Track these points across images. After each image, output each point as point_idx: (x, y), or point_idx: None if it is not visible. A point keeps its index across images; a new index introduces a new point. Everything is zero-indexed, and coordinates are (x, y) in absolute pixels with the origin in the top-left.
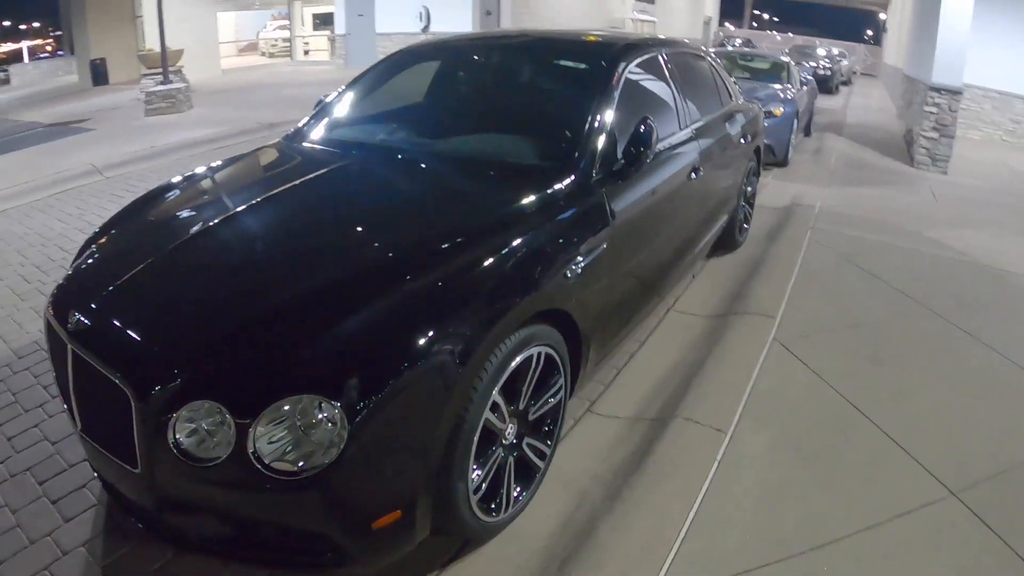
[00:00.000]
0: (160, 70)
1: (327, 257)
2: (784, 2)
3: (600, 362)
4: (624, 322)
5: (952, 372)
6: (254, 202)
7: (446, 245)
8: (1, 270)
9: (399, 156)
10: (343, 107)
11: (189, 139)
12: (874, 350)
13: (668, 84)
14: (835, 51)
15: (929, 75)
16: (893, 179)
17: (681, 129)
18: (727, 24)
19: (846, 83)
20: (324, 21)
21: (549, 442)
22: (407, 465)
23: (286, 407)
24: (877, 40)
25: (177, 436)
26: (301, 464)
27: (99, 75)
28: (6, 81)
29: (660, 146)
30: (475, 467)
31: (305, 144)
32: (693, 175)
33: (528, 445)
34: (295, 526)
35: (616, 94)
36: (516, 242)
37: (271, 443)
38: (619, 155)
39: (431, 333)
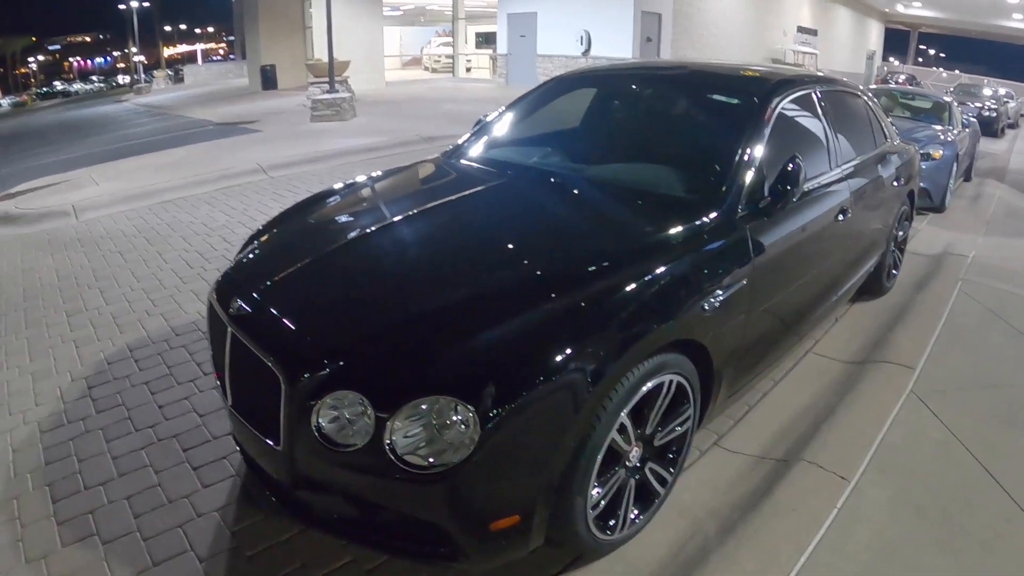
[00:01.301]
0: (327, 79)
1: (475, 269)
2: (951, 38)
3: (731, 397)
4: (759, 359)
5: None
6: (409, 213)
7: (590, 268)
8: (167, 254)
9: (551, 179)
10: (501, 128)
11: (350, 146)
12: (1011, 413)
13: (820, 122)
14: (1002, 92)
15: None
16: None
17: (831, 169)
18: (892, 59)
19: (1012, 126)
20: (487, 40)
21: (672, 469)
22: (531, 474)
23: (424, 405)
24: None
25: (320, 420)
26: (432, 460)
27: (268, 80)
28: (180, 80)
29: (808, 185)
30: (596, 484)
31: (462, 161)
32: (841, 216)
33: (651, 470)
34: (417, 517)
35: (766, 131)
36: (658, 271)
37: (406, 437)
38: (766, 192)
39: (568, 351)
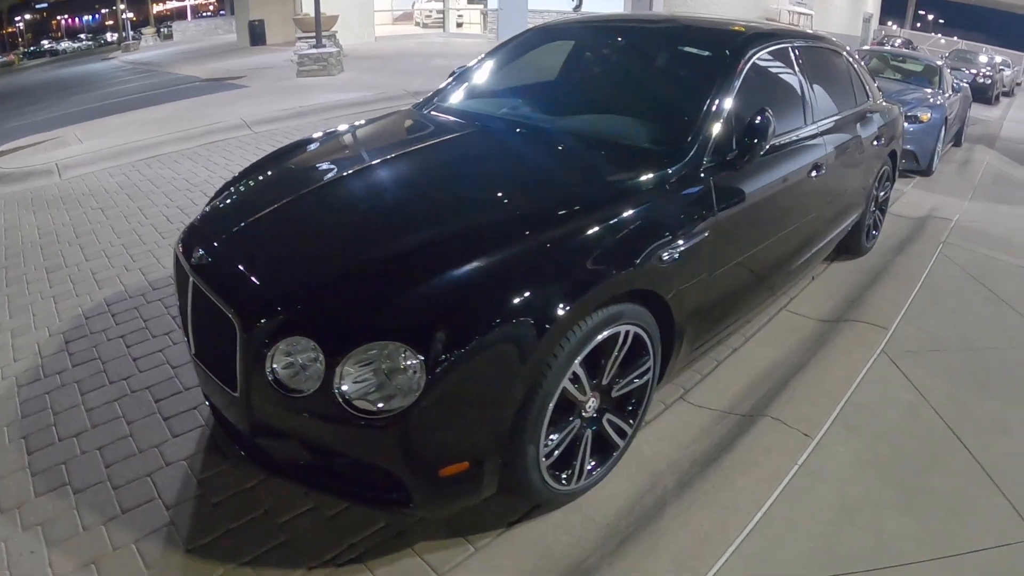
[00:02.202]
0: (314, 34)
1: (430, 218)
2: (951, 4)
3: (696, 351)
4: (725, 314)
5: None
6: (373, 163)
7: (544, 216)
8: (148, 210)
9: (517, 130)
10: (474, 79)
11: (335, 101)
12: (985, 378)
13: (797, 77)
14: (998, 59)
15: None
16: None
17: (807, 124)
18: (890, 23)
19: (1007, 94)
20: None
21: (632, 422)
22: (479, 421)
23: (373, 351)
24: None
25: (274, 366)
26: (380, 405)
27: (256, 36)
28: (169, 36)
29: (780, 140)
30: (550, 434)
31: (433, 112)
32: (815, 172)
33: (608, 421)
34: (368, 462)
35: (736, 84)
36: (614, 220)
37: (356, 383)
38: (734, 145)
39: (517, 299)
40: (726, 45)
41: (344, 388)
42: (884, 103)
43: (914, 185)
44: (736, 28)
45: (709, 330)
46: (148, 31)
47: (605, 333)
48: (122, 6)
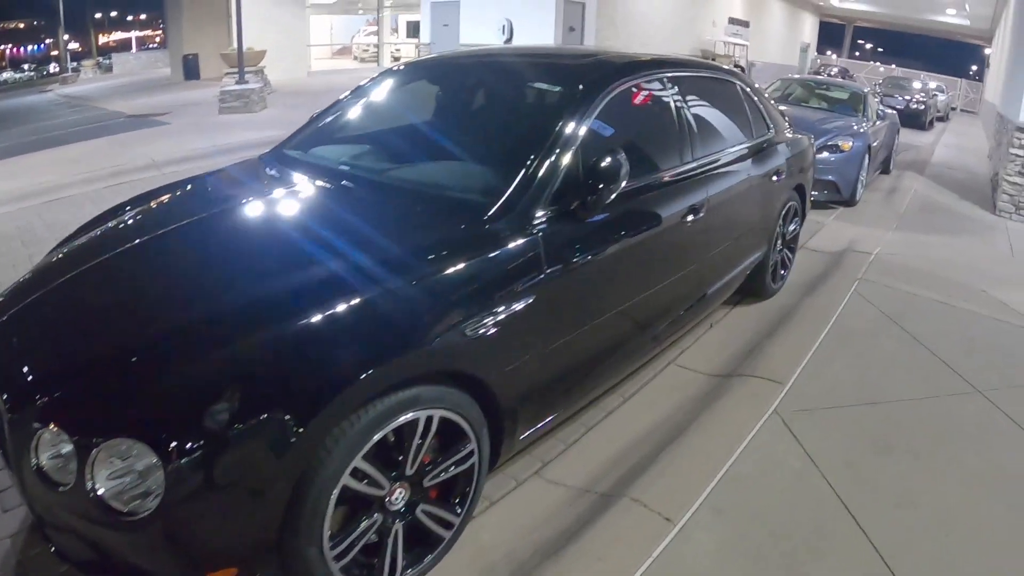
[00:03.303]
0: (249, 68)
1: (200, 292)
2: (887, 33)
3: (544, 428)
4: (576, 384)
5: (978, 471)
6: (175, 227)
7: (320, 290)
8: (37, 257)
9: (343, 182)
10: (326, 125)
11: (251, 140)
12: (888, 434)
13: (672, 112)
14: (932, 85)
15: (1018, 113)
16: (969, 227)
17: (683, 163)
18: (829, 52)
19: (942, 119)
20: (417, 29)
21: (460, 510)
22: (237, 524)
23: (121, 447)
24: (981, 76)
25: (39, 457)
26: (129, 506)
27: (191, 70)
28: (109, 69)
29: (646, 182)
30: (345, 531)
31: (271, 164)
32: (692, 216)
33: (426, 512)
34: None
35: (586, 122)
36: (399, 291)
37: (109, 479)
38: (582, 192)
39: (270, 389)
40: (580, 80)
41: (96, 485)
42: (790, 134)
43: (836, 217)
44: (600, 59)
45: (556, 406)
46: (88, 64)
47: (397, 421)
48: (65, 37)
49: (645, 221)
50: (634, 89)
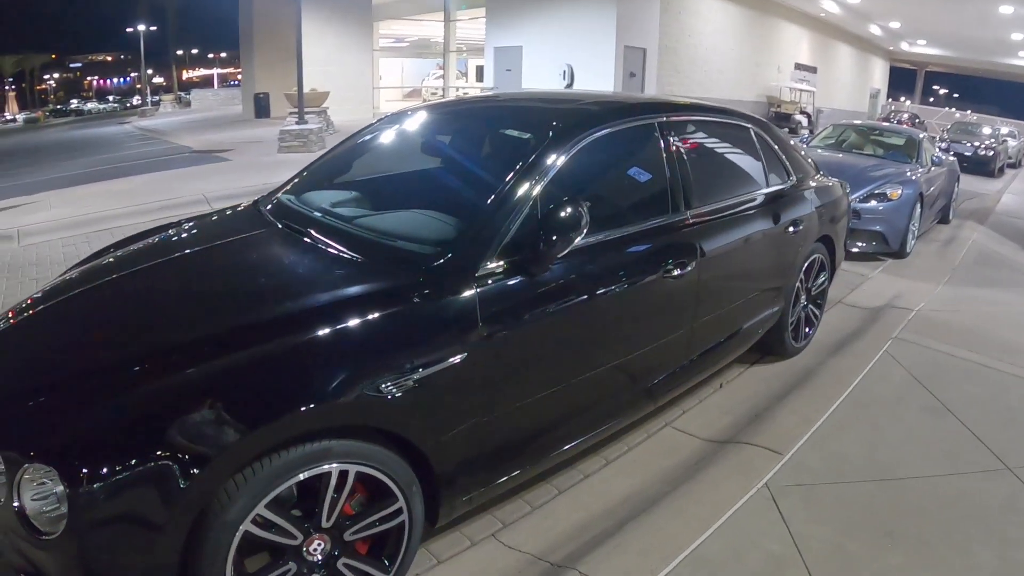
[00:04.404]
0: (310, 108)
1: (132, 332)
2: (961, 77)
3: (482, 494)
4: (529, 453)
5: (995, 569)
6: (140, 268)
7: (224, 338)
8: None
9: (309, 229)
10: (311, 173)
11: None
12: (894, 517)
13: (660, 159)
14: (1004, 130)
15: None
16: None
17: (669, 214)
18: (903, 98)
19: (1013, 166)
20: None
21: (389, 564)
22: (140, 556)
23: (43, 470)
24: None
25: None
26: (46, 527)
27: (261, 108)
28: (187, 104)
29: (619, 233)
30: None
31: (261, 207)
32: (678, 271)
33: (348, 567)
34: None
35: (551, 171)
36: (302, 344)
37: (32, 499)
38: (539, 245)
39: (172, 431)
40: (551, 126)
41: (22, 503)
42: (819, 182)
43: (882, 269)
44: (581, 105)
45: (506, 471)
46: (168, 98)
47: (305, 473)
48: (149, 72)
49: (613, 277)
50: (615, 136)
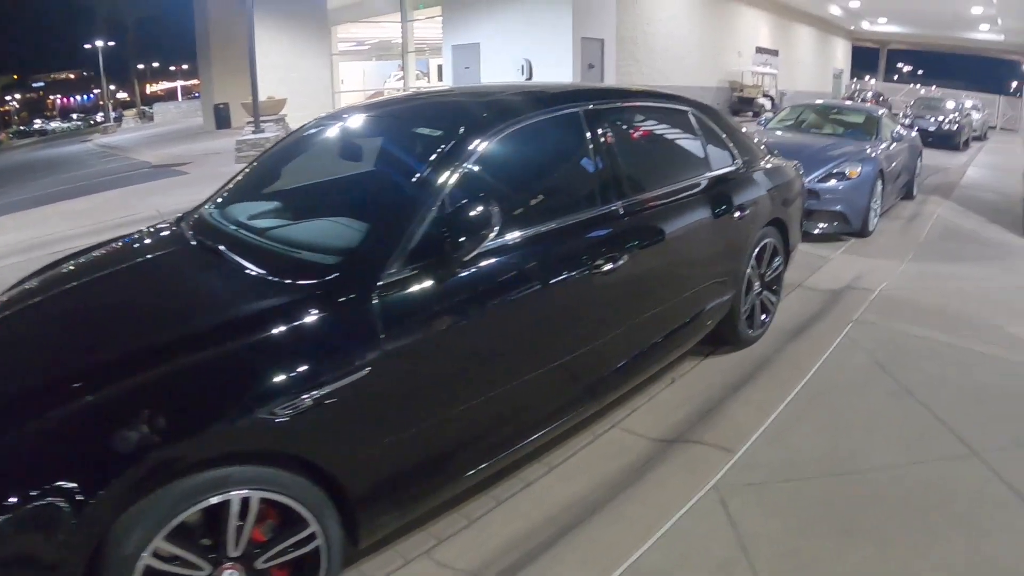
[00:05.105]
0: (265, 117)
1: (25, 361)
2: (924, 54)
3: (406, 514)
4: (455, 468)
5: (959, 567)
6: (37, 300)
7: (108, 363)
8: None
9: (219, 245)
10: (242, 184)
11: None
12: (853, 514)
13: (586, 150)
14: (967, 104)
15: None
16: (993, 253)
17: (596, 206)
18: (867, 77)
19: (979, 138)
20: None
21: None
22: None
23: None
24: (1021, 92)
25: None
26: None
27: (222, 119)
28: (150, 119)
29: (537, 230)
30: None
31: (181, 224)
32: (608, 265)
33: None
34: None
35: (461, 168)
36: (196, 366)
37: None
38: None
39: (58, 463)
40: (462, 122)
41: None
42: (769, 163)
43: (845, 250)
44: (496, 98)
45: (431, 487)
46: (130, 113)
47: (205, 502)
48: (113, 87)
49: (535, 276)
50: (533, 129)
